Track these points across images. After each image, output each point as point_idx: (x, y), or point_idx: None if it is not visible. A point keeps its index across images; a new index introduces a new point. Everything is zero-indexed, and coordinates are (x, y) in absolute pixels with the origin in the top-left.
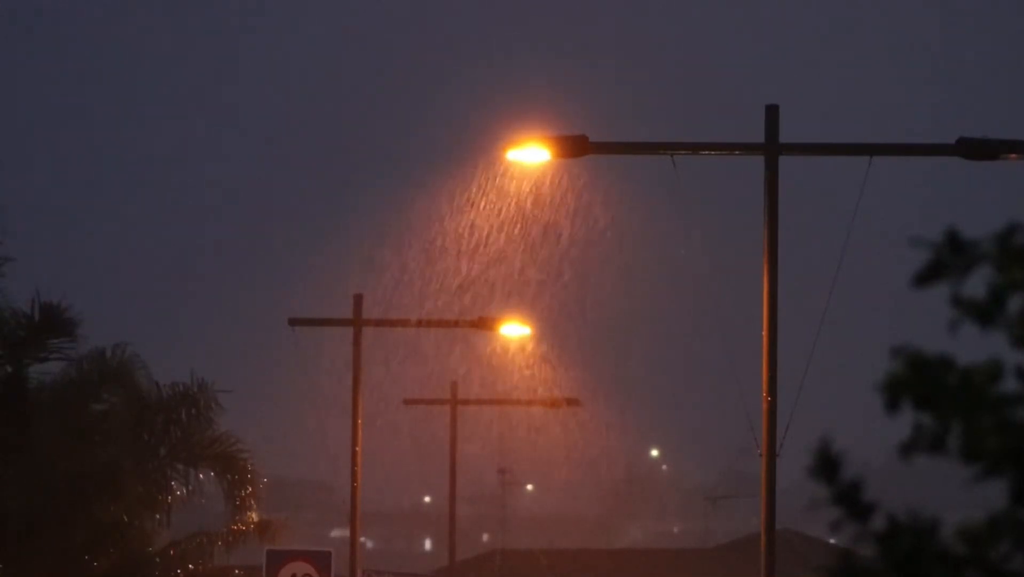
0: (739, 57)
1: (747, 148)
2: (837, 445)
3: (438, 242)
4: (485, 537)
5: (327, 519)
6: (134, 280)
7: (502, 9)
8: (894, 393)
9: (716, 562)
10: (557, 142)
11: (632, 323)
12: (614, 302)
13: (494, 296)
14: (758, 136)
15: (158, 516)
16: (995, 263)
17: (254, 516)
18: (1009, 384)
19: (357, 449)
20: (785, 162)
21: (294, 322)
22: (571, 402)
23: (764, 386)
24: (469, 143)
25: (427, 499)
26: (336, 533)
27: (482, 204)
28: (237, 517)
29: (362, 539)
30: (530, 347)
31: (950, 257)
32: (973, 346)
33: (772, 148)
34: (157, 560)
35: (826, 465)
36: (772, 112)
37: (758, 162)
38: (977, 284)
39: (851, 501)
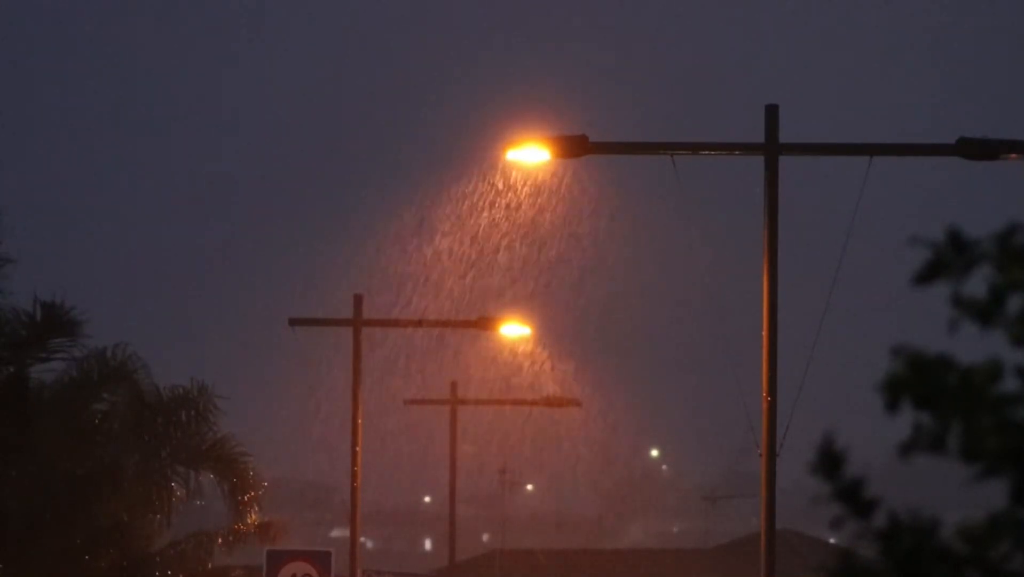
0: (739, 57)
1: (747, 148)
2: (840, 442)
3: (438, 242)
4: (485, 537)
5: (327, 519)
6: (134, 280)
7: (502, 9)
8: (894, 393)
9: (716, 562)
10: (557, 142)
11: (632, 323)
12: (614, 302)
13: (494, 296)
14: (758, 136)
15: (158, 516)
16: (995, 263)
17: (254, 516)
18: (1009, 384)
19: (357, 449)
20: (785, 162)
21: (294, 322)
22: (571, 402)
23: (764, 386)
24: (469, 143)
25: (427, 499)
26: (336, 533)
27: (482, 204)
28: (238, 520)
29: (362, 539)
30: (530, 347)
31: (951, 256)
32: (973, 346)
33: (772, 148)
34: (157, 560)
35: (829, 461)
36: (772, 112)
37: (758, 162)
38: (977, 284)
39: (852, 498)
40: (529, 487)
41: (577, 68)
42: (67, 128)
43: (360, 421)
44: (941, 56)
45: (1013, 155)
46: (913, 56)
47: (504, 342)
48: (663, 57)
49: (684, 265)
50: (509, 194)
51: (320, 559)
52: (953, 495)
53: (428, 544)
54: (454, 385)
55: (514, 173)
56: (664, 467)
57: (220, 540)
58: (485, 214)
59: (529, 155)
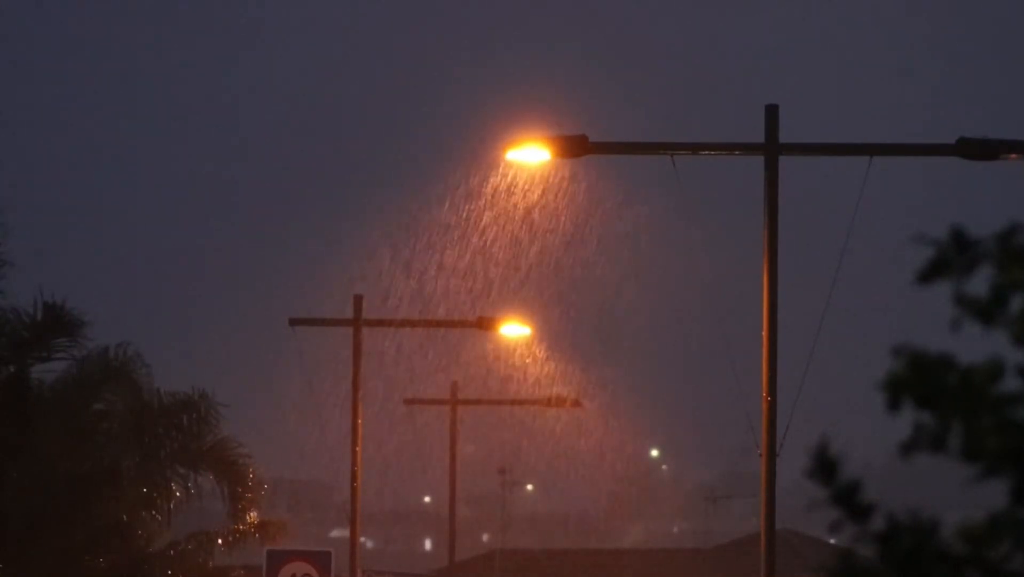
0: (739, 57)
1: (747, 148)
2: (835, 446)
3: (438, 242)
4: (485, 537)
5: (327, 519)
6: (134, 280)
7: (502, 9)
8: (895, 392)
9: (716, 562)
10: (557, 142)
11: (632, 323)
12: (614, 302)
13: (494, 296)
14: (758, 136)
15: (158, 516)
16: (996, 263)
17: (254, 517)
18: (1010, 383)
19: (357, 449)
20: (785, 162)
21: (294, 322)
22: (571, 402)
23: (764, 386)
24: (469, 143)
25: (427, 499)
26: (336, 533)
27: (482, 204)
28: (238, 521)
29: (362, 539)
30: (530, 347)
31: (954, 254)
32: (974, 346)
33: (772, 148)
34: (157, 560)
35: (824, 466)
36: (772, 112)
37: (758, 162)
38: (979, 283)
39: (849, 502)
40: (529, 487)
41: (577, 68)
42: (67, 128)
43: (360, 421)
44: (941, 56)
45: (1013, 155)
46: (913, 56)
47: (504, 342)
48: (663, 57)
49: (684, 265)
50: (509, 194)
51: (320, 559)
52: (953, 495)
53: (428, 544)
54: (454, 385)
55: (514, 173)
56: (664, 467)
57: (220, 540)
58: (485, 214)
59: (529, 155)
